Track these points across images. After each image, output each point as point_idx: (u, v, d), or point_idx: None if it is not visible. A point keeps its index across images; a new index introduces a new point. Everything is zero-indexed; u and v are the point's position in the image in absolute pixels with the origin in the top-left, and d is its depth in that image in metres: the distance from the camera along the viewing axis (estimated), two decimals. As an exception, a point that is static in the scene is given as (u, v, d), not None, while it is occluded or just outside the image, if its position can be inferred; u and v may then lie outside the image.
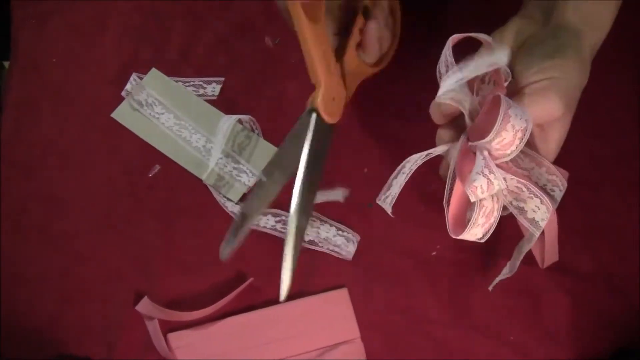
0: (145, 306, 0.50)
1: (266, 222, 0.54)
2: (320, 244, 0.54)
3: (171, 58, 0.58)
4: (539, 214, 0.42)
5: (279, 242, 0.54)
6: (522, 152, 0.42)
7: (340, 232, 0.54)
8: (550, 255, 0.49)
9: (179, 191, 0.55)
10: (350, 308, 0.53)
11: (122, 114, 0.57)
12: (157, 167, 0.56)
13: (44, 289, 0.53)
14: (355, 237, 0.54)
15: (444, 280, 0.54)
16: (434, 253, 0.54)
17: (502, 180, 0.40)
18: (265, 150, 0.56)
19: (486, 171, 0.39)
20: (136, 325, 0.51)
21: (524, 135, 0.39)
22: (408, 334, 0.52)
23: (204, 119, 0.56)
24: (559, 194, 0.44)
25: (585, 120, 0.57)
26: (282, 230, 0.54)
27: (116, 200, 0.55)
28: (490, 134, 0.38)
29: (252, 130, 0.56)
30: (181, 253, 0.54)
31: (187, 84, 0.57)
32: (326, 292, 0.53)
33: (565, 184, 0.44)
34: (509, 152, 0.39)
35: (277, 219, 0.54)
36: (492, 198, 0.42)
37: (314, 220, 0.54)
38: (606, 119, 0.57)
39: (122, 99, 0.57)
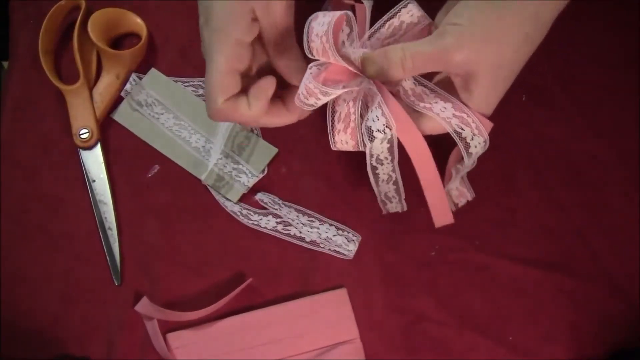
0: (144, 306, 0.50)
1: (267, 223, 0.54)
2: (321, 245, 0.54)
3: (171, 58, 0.58)
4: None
5: (279, 243, 0.54)
6: (430, 89, 0.43)
7: (340, 232, 0.54)
8: (440, 215, 0.48)
9: (179, 191, 0.55)
10: (349, 308, 0.53)
11: (121, 114, 0.57)
12: (157, 167, 0.56)
13: (44, 289, 0.53)
14: (356, 237, 0.54)
15: (444, 280, 0.54)
16: (433, 253, 0.54)
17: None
18: (264, 151, 0.56)
19: (307, 82, 0.41)
20: (136, 326, 0.51)
21: None
22: (408, 334, 0.52)
23: (204, 119, 0.56)
24: (468, 133, 0.43)
25: (586, 120, 0.57)
26: (283, 231, 0.54)
27: (116, 200, 0.55)
28: None
29: (252, 131, 0.56)
30: (181, 253, 0.54)
31: (186, 84, 0.57)
32: (325, 292, 0.53)
33: (481, 127, 0.43)
34: None
35: (278, 220, 0.54)
36: (345, 102, 0.44)
37: (314, 221, 0.54)
38: (606, 119, 0.57)
39: (122, 99, 0.57)
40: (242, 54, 0.41)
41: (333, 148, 0.46)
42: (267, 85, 0.42)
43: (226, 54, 0.40)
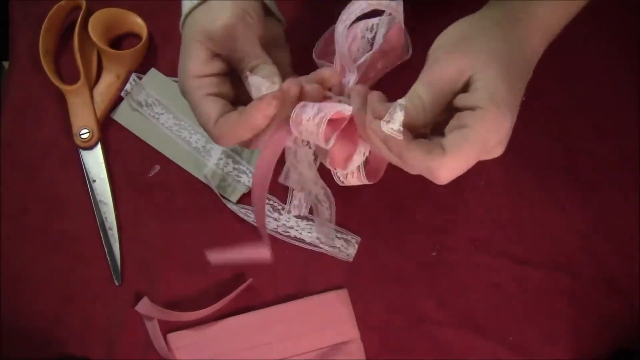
0: (144, 306, 0.50)
1: (267, 224, 0.54)
2: (320, 246, 0.54)
3: (171, 58, 0.58)
4: None
5: (279, 244, 0.54)
6: None
7: (339, 234, 0.54)
8: (373, 171, 0.47)
9: (179, 191, 0.55)
10: (350, 308, 0.53)
11: (121, 114, 0.57)
12: (157, 168, 0.56)
13: (44, 289, 0.53)
14: (355, 239, 0.54)
15: (444, 281, 0.54)
16: (433, 253, 0.54)
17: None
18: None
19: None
20: (136, 326, 0.51)
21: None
22: (408, 334, 0.52)
23: (204, 119, 0.56)
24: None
25: (586, 121, 0.57)
26: (283, 233, 0.54)
27: (116, 200, 0.55)
28: None
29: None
30: (181, 253, 0.54)
31: (186, 84, 0.57)
32: (326, 292, 0.53)
33: None
34: None
35: (278, 223, 0.54)
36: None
37: (312, 224, 0.54)
38: (606, 119, 0.57)
39: (122, 99, 0.57)
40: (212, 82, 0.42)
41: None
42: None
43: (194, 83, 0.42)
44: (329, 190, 0.52)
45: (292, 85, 0.40)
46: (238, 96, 0.44)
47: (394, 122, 0.37)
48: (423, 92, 0.38)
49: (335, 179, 0.45)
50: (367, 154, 0.43)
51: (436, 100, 0.38)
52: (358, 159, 0.42)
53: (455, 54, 0.38)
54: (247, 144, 0.42)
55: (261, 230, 0.47)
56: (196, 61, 0.42)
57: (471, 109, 0.37)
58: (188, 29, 0.43)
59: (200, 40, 0.42)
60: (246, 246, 0.49)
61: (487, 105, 0.37)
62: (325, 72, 0.42)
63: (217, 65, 0.43)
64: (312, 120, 0.39)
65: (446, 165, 0.36)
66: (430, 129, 0.40)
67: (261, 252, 0.47)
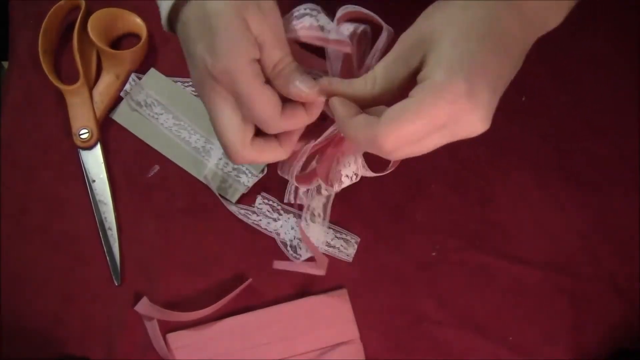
0: (144, 306, 0.50)
1: (267, 225, 0.54)
2: (320, 246, 0.54)
3: (170, 58, 0.58)
4: None
5: (278, 244, 0.54)
6: None
7: (338, 235, 0.54)
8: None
9: (179, 191, 0.55)
10: (349, 308, 0.53)
11: (121, 114, 0.57)
12: (157, 168, 0.56)
13: (44, 289, 0.53)
14: (355, 239, 0.54)
15: (444, 281, 0.54)
16: (433, 253, 0.54)
17: None
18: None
19: None
20: (136, 326, 0.51)
21: None
22: (407, 334, 0.52)
23: (203, 120, 0.56)
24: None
25: (586, 121, 0.57)
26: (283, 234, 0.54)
27: (116, 200, 0.55)
28: None
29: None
30: (180, 253, 0.54)
31: (186, 85, 0.57)
32: (326, 292, 0.53)
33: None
34: None
35: (278, 223, 0.54)
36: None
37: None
38: (606, 119, 0.57)
39: (122, 99, 0.57)
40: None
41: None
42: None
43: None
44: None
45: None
46: None
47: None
48: (377, 66, 0.37)
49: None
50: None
51: (388, 74, 0.36)
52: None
53: (415, 27, 0.36)
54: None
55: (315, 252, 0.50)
56: (247, 41, 0.36)
57: (419, 81, 0.35)
58: (216, 8, 0.36)
59: (248, 15, 0.36)
60: (307, 264, 0.52)
61: (434, 75, 0.34)
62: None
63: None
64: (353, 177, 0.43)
65: (384, 133, 0.34)
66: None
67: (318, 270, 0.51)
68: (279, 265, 0.52)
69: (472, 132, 0.35)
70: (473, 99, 0.34)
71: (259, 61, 0.38)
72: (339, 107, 0.37)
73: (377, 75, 0.37)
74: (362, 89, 0.37)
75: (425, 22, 0.36)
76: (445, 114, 0.34)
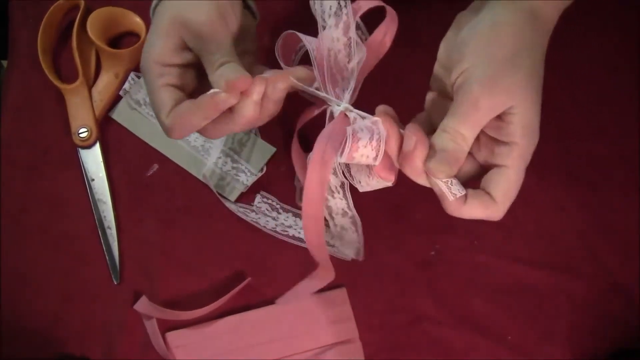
0: (143, 305, 0.50)
1: (266, 223, 0.54)
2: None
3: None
4: None
5: (278, 243, 0.54)
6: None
7: (337, 234, 0.54)
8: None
9: (178, 190, 0.55)
10: (349, 308, 0.53)
11: (120, 113, 0.57)
12: (156, 167, 0.56)
13: (44, 289, 0.53)
14: (354, 238, 0.54)
15: (443, 280, 0.54)
16: (433, 253, 0.54)
17: None
18: (263, 150, 0.56)
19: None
20: (135, 325, 0.52)
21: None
22: (407, 333, 0.52)
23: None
24: None
25: (586, 120, 0.57)
26: (282, 232, 0.54)
27: (115, 199, 0.55)
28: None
29: (250, 130, 0.56)
30: (180, 252, 0.54)
31: (185, 83, 0.57)
32: (325, 291, 0.53)
33: None
34: None
35: (277, 222, 0.54)
36: None
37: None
38: (606, 119, 0.57)
39: (121, 98, 0.57)
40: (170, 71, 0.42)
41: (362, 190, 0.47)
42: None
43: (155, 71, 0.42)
44: (357, 218, 0.51)
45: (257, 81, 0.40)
46: (199, 89, 0.43)
47: (454, 189, 0.39)
48: (465, 131, 0.38)
49: (357, 186, 0.46)
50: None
51: (475, 134, 0.39)
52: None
53: (493, 89, 0.37)
54: (203, 132, 0.42)
55: (317, 255, 0.45)
56: (165, 47, 0.41)
57: (504, 142, 0.38)
58: (164, 11, 0.42)
59: (175, 26, 0.41)
60: (311, 278, 0.49)
61: (522, 141, 0.38)
62: (301, 72, 0.43)
63: (184, 57, 0.42)
64: (369, 145, 0.39)
65: (500, 210, 0.40)
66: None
67: (326, 278, 0.48)
68: (284, 301, 0.52)
69: None
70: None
71: (176, 64, 0.42)
72: (454, 198, 0.40)
73: (468, 141, 0.39)
74: (462, 158, 0.39)
75: (500, 88, 0.37)
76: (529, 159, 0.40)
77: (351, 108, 0.43)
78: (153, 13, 0.44)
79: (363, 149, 0.39)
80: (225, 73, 0.39)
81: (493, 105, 0.37)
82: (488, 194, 0.39)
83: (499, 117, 0.38)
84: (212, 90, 0.39)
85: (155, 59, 0.41)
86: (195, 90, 0.43)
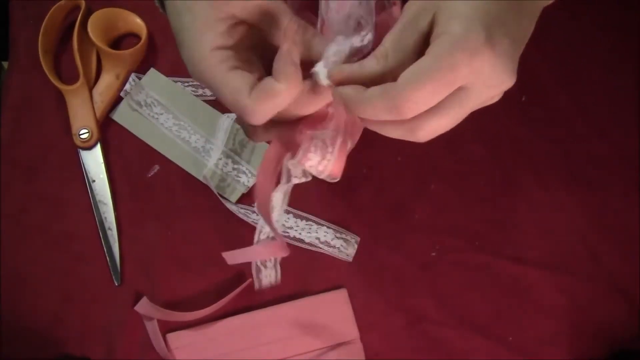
0: (144, 306, 0.50)
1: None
2: (319, 246, 0.54)
3: (171, 58, 0.58)
4: None
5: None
6: None
7: (338, 235, 0.54)
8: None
9: (179, 191, 0.55)
10: (349, 309, 0.53)
11: (120, 115, 0.57)
12: (157, 167, 0.56)
13: (44, 289, 0.53)
14: (354, 239, 0.54)
15: (444, 281, 0.54)
16: (433, 253, 0.54)
17: None
18: (264, 151, 0.56)
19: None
20: (136, 326, 0.51)
21: None
22: (407, 334, 0.52)
23: (203, 120, 0.56)
24: None
25: (586, 120, 0.57)
26: (282, 234, 0.54)
27: (116, 200, 0.55)
28: None
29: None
30: (181, 253, 0.54)
31: (186, 84, 0.57)
32: (325, 292, 0.53)
33: None
34: None
35: (277, 223, 0.54)
36: None
37: (312, 225, 0.54)
38: (606, 119, 0.57)
39: (122, 99, 0.57)
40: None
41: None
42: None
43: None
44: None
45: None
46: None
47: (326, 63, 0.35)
48: (385, 39, 0.34)
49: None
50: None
51: (399, 43, 0.34)
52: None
53: None
54: (287, 114, 0.37)
55: (274, 231, 0.44)
56: (214, 30, 0.36)
57: (433, 40, 0.32)
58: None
59: (222, 9, 0.36)
60: (261, 244, 0.46)
61: (450, 28, 0.31)
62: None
63: (241, 32, 0.37)
64: (319, 164, 0.38)
65: (404, 95, 0.31)
66: None
67: (278, 250, 0.45)
68: (231, 258, 0.46)
69: (498, 87, 0.33)
70: (495, 48, 0.31)
71: (233, 47, 0.36)
72: (351, 91, 0.34)
73: (388, 48, 0.34)
74: (375, 67, 0.34)
75: None
76: (466, 66, 0.31)
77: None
78: (162, 5, 0.39)
79: (312, 163, 0.38)
80: (321, 43, 0.36)
81: (412, 5, 0.34)
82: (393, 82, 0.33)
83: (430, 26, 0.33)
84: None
85: (208, 46, 0.35)
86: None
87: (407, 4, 0.35)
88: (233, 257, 0.46)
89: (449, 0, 0.32)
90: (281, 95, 0.34)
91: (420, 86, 0.31)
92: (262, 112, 0.35)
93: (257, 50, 0.38)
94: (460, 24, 0.31)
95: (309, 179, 0.42)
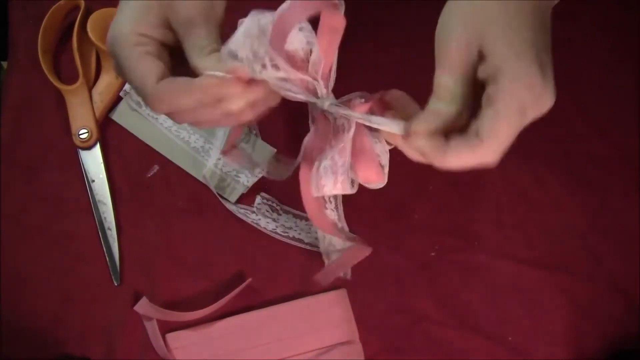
0: (143, 306, 0.50)
1: (266, 224, 0.54)
2: (319, 246, 0.54)
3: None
4: None
5: (279, 243, 0.54)
6: None
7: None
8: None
9: (178, 192, 0.55)
10: (349, 309, 0.53)
11: (120, 114, 0.57)
12: (156, 168, 0.56)
13: (44, 289, 0.53)
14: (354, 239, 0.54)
15: (444, 281, 0.53)
16: (433, 253, 0.54)
17: None
18: (263, 151, 0.56)
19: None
20: (135, 326, 0.51)
21: None
22: (407, 334, 0.52)
23: (203, 119, 0.56)
24: None
25: (586, 120, 0.57)
26: (282, 234, 0.54)
27: (115, 200, 0.55)
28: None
29: (250, 131, 0.56)
30: (180, 253, 0.54)
31: (186, 84, 0.57)
32: (325, 292, 0.53)
33: None
34: None
35: (277, 223, 0.54)
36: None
37: (311, 225, 0.54)
38: (606, 119, 0.57)
39: (121, 99, 0.57)
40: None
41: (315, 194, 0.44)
42: None
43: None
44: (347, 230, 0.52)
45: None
46: (171, 71, 0.39)
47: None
48: (448, 79, 0.35)
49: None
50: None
51: (463, 82, 0.35)
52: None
53: (456, 26, 0.35)
54: (179, 116, 0.39)
55: (346, 237, 0.47)
56: (146, 21, 0.38)
57: (492, 77, 0.34)
58: None
59: (162, 5, 0.38)
60: (345, 254, 0.50)
61: (504, 65, 0.33)
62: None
63: (165, 35, 0.39)
64: (335, 187, 0.40)
65: (488, 151, 0.35)
66: (469, 115, 0.37)
67: (361, 252, 0.48)
68: (324, 279, 0.50)
69: (543, 110, 0.36)
70: (545, 79, 0.35)
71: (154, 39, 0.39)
72: (435, 144, 0.36)
73: (456, 89, 0.36)
74: (450, 110, 0.36)
75: (462, 20, 0.35)
76: (533, 100, 0.35)
77: (331, 102, 0.40)
78: None
79: (332, 188, 0.40)
80: (225, 59, 0.37)
81: (459, 40, 0.35)
82: (476, 134, 0.35)
83: (483, 58, 0.35)
84: (213, 72, 0.37)
85: (135, 30, 0.38)
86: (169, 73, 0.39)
87: (444, 38, 0.36)
88: (326, 276, 0.51)
89: (493, 30, 0.34)
90: (183, 101, 0.37)
91: (498, 137, 0.35)
92: (164, 103, 0.37)
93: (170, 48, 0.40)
94: (516, 59, 0.34)
95: (355, 190, 0.45)
